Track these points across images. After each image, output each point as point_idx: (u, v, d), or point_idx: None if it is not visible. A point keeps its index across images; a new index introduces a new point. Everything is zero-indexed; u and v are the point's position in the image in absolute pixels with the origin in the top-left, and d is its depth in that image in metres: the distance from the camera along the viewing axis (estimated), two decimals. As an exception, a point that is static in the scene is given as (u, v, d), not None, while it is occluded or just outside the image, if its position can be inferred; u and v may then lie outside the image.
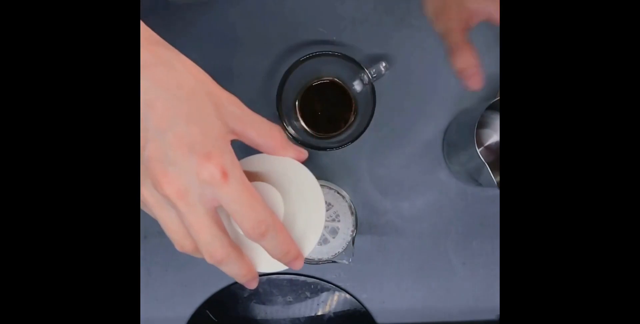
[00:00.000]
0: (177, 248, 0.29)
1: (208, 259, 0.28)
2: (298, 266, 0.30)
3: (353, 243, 0.45)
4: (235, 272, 0.29)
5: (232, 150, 0.28)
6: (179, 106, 0.26)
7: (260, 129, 0.30)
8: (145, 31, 0.27)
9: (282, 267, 0.31)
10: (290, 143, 0.31)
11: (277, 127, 0.30)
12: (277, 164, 0.32)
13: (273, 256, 0.29)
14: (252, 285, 0.31)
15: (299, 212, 0.31)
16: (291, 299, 0.52)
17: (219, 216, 0.28)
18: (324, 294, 0.52)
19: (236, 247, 0.29)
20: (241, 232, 0.29)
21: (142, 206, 0.29)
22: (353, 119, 0.50)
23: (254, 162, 0.32)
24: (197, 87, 0.27)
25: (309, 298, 0.52)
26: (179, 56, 0.28)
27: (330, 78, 0.50)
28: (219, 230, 0.28)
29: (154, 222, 0.29)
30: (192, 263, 0.51)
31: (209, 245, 0.28)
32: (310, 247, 0.31)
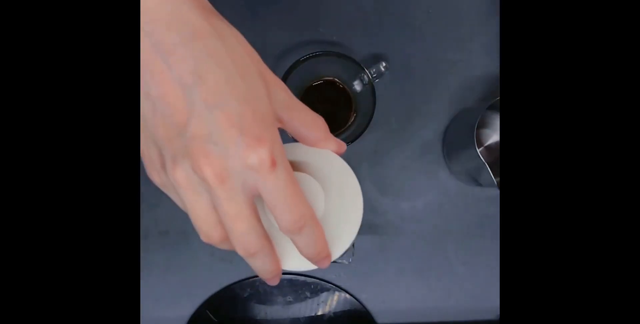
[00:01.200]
0: (202, 237, 0.27)
1: (240, 251, 0.26)
2: (325, 265, 0.29)
3: (353, 243, 0.45)
4: (263, 267, 0.28)
5: (280, 138, 0.25)
6: (233, 83, 0.24)
7: (305, 119, 0.28)
8: None
9: (308, 266, 0.29)
10: (332, 135, 0.29)
11: (321, 118, 0.29)
12: (316, 155, 0.30)
13: (303, 253, 0.28)
14: (275, 282, 0.29)
15: (335, 210, 0.29)
16: (291, 299, 0.52)
17: (255, 205, 0.26)
18: (324, 294, 0.52)
19: (269, 240, 0.27)
20: (275, 225, 0.27)
21: (168, 189, 0.27)
22: (353, 119, 0.50)
23: (293, 151, 0.30)
24: (251, 66, 0.26)
25: (309, 298, 0.52)
26: (233, 30, 0.26)
27: (330, 78, 0.50)
28: (256, 221, 0.26)
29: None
30: (192, 263, 0.51)
31: (245, 236, 0.26)
32: (341, 250, 0.29)
